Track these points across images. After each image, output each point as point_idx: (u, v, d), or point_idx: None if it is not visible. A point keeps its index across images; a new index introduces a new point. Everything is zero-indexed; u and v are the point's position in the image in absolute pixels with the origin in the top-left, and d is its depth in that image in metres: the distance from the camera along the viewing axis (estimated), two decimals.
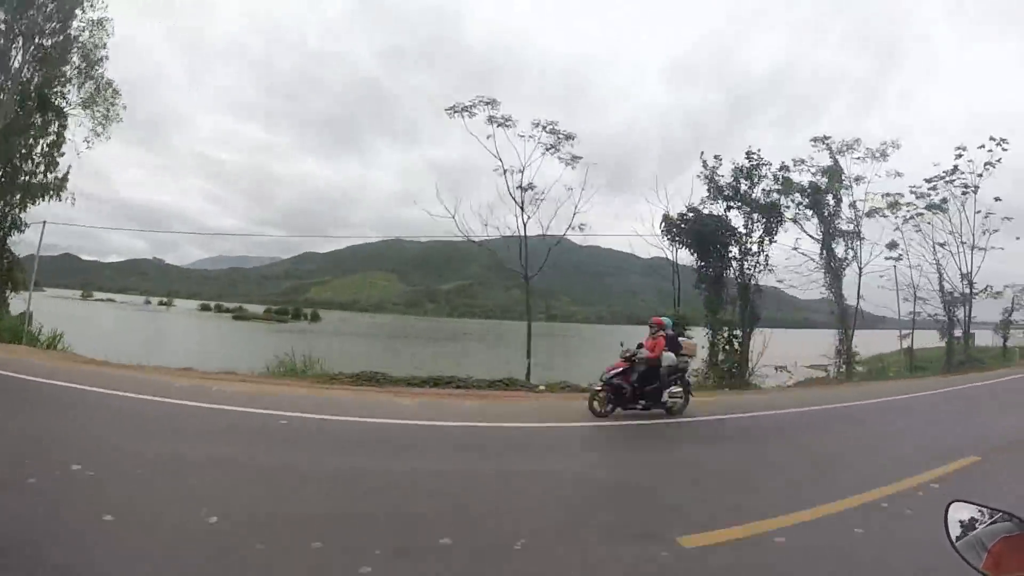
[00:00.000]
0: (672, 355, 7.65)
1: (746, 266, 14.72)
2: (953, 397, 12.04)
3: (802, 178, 16.52)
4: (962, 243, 20.55)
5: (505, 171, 13.69)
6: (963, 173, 20.12)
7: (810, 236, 16.65)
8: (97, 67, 14.80)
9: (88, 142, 14.82)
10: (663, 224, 15.28)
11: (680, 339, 7.98)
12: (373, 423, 6.57)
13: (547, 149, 13.68)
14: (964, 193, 20.36)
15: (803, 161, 16.54)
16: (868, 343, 21.70)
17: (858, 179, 17.58)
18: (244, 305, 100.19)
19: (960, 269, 21.08)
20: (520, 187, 13.86)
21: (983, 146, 19.89)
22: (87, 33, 14.61)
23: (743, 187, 14.79)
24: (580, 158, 13.95)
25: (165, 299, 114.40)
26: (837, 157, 16.90)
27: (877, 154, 17.35)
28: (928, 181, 20.39)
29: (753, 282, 14.73)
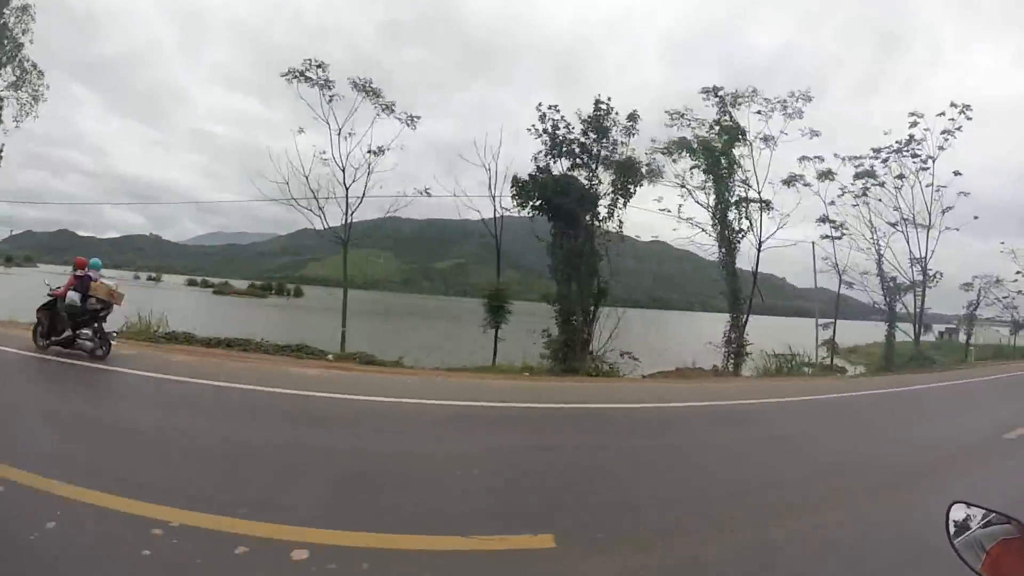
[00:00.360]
0: (75, 295, 7.73)
1: (596, 233, 12.23)
2: (795, 412, 8.48)
3: (685, 133, 13.94)
4: (904, 220, 17.94)
5: (338, 134, 13.11)
6: (918, 143, 17.46)
7: (697, 203, 14.11)
8: (20, 51, 15.28)
9: (17, 121, 15.46)
10: (513, 188, 12.84)
11: (101, 282, 8.19)
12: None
13: (382, 110, 13.26)
14: (918, 167, 17.67)
15: (681, 115, 13.90)
16: (796, 331, 19.11)
17: (767, 139, 14.88)
18: (231, 281, 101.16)
19: (911, 251, 18.51)
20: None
21: (943, 113, 17.16)
22: (12, 19, 15.20)
23: (589, 141, 12.15)
24: (419, 117, 13.58)
25: (154, 274, 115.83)
26: (731, 111, 14.18)
27: (785, 108, 14.59)
28: (876, 151, 17.72)
29: (601, 251, 12.26)
